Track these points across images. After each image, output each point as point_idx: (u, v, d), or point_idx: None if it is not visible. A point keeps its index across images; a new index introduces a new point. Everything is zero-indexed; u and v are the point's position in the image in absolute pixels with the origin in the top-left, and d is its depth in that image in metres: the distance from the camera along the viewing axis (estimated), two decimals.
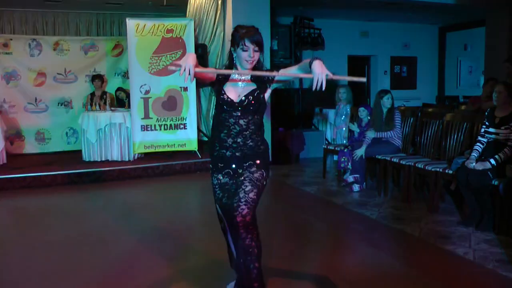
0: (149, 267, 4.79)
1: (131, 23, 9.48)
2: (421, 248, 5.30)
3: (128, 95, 10.30)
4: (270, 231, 5.95)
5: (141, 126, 9.60)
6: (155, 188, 8.57)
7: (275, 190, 8.42)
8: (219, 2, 10.19)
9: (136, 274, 4.63)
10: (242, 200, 3.57)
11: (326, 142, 10.69)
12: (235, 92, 3.66)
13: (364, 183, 7.87)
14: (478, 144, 5.87)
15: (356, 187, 7.80)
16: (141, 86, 9.56)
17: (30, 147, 11.15)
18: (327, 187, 8.22)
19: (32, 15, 12.14)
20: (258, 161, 3.71)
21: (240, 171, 3.69)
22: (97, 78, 10.64)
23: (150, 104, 9.62)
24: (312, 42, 13.01)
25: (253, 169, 3.68)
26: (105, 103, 10.04)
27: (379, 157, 7.54)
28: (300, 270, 4.69)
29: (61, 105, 11.38)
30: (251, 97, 3.64)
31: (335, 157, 9.01)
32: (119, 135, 9.76)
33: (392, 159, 7.27)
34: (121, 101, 10.96)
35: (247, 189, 3.61)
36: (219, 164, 3.73)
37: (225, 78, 3.68)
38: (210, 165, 3.84)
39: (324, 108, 11.95)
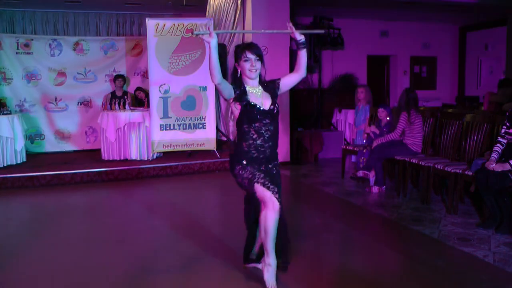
0: (167, 266, 4.81)
1: (151, 23, 9.52)
2: (439, 250, 5.26)
3: (147, 95, 10.34)
4: (288, 230, 5.95)
5: (160, 125, 9.64)
6: (173, 188, 8.60)
7: (294, 189, 8.43)
8: (239, 2, 10.20)
9: (154, 273, 4.65)
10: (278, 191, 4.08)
11: (345, 143, 10.66)
12: (259, 101, 4.12)
13: (384, 186, 7.82)
14: (498, 145, 5.80)
15: (375, 189, 7.77)
16: (160, 86, 9.60)
17: (50, 145, 11.25)
18: (346, 188, 8.20)
19: (53, 16, 12.24)
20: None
21: (270, 166, 4.26)
22: (119, 78, 10.69)
23: (169, 103, 9.65)
24: (331, 42, 12.97)
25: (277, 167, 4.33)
26: (125, 102, 10.09)
27: (398, 158, 7.50)
28: (318, 270, 4.68)
29: (81, 104, 11.48)
30: (277, 104, 4.22)
31: (353, 158, 8.98)
32: (138, 134, 9.81)
33: (411, 160, 7.23)
34: (140, 100, 11.01)
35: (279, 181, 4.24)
36: (255, 165, 4.15)
37: (244, 91, 4.09)
38: (244, 162, 4.14)
39: (343, 108, 11.91)
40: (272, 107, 4.16)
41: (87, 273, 4.71)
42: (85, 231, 6.11)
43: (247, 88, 4.12)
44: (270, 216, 3.98)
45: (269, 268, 4.13)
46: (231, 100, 4.08)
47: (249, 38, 9.82)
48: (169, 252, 5.23)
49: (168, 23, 9.60)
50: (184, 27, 9.60)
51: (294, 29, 4.09)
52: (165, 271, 4.69)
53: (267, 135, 4.15)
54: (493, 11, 12.90)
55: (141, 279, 4.52)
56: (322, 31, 4.72)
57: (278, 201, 3.99)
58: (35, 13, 12.08)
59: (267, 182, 4.02)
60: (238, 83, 4.12)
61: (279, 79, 4.31)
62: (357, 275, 4.56)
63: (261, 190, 4.01)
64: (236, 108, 4.09)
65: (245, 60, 4.05)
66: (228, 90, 4.01)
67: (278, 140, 4.33)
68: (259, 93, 4.16)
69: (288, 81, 4.33)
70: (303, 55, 4.19)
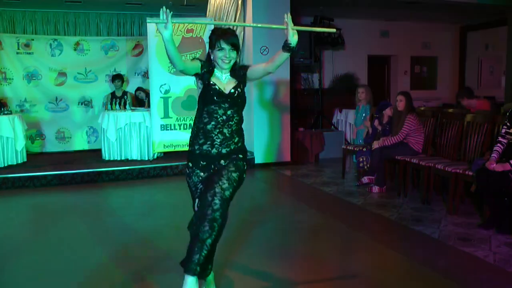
0: (168, 266, 4.81)
1: (152, 23, 9.50)
2: (440, 250, 5.26)
3: (148, 95, 10.35)
4: (288, 231, 5.95)
5: (161, 125, 9.64)
6: (174, 187, 8.60)
7: (294, 190, 8.43)
8: (239, 2, 10.19)
9: (154, 273, 4.65)
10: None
11: (346, 143, 10.66)
12: (221, 84, 3.77)
13: (384, 187, 7.82)
14: (498, 145, 5.79)
15: (375, 189, 7.77)
16: (161, 86, 9.61)
17: (51, 145, 11.28)
18: (346, 188, 8.20)
19: (54, 16, 12.22)
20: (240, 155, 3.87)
21: (223, 162, 3.82)
22: (117, 78, 10.70)
23: (169, 103, 9.66)
24: (332, 42, 12.98)
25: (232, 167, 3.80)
26: (125, 102, 10.09)
27: (399, 158, 7.50)
28: (318, 270, 4.68)
29: (82, 104, 11.51)
30: (239, 89, 3.83)
31: (354, 157, 8.98)
32: (139, 135, 9.81)
33: (412, 160, 7.23)
34: (141, 100, 11.02)
35: (224, 186, 3.70)
36: (201, 162, 3.83)
37: (210, 71, 3.77)
38: (190, 164, 3.90)
39: (344, 108, 11.91)
40: (232, 90, 3.77)
41: (87, 273, 4.71)
42: (85, 231, 6.11)
43: (215, 71, 3.80)
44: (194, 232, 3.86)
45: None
46: (196, 78, 3.80)
47: (249, 37, 9.83)
48: (170, 252, 5.22)
49: None
50: (184, 27, 9.60)
51: (289, 25, 3.63)
52: (165, 272, 4.68)
53: (220, 120, 3.73)
54: (494, 11, 12.89)
55: (141, 279, 4.52)
56: (333, 30, 4.01)
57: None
58: (36, 13, 12.07)
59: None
60: (209, 65, 3.79)
61: (249, 66, 3.95)
62: (357, 275, 4.56)
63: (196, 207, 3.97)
64: (199, 88, 3.80)
65: (219, 49, 3.70)
66: (193, 70, 3.73)
67: (241, 131, 3.89)
68: (226, 79, 3.81)
69: (255, 72, 3.89)
70: (283, 56, 3.72)
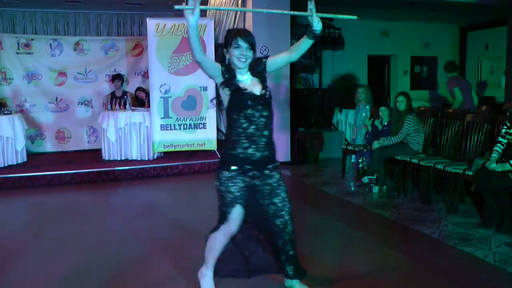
0: (167, 266, 4.81)
1: (152, 23, 9.52)
2: (440, 250, 5.26)
3: (148, 95, 10.35)
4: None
5: (161, 125, 9.64)
6: (174, 188, 8.60)
7: (294, 190, 8.42)
8: (239, 2, 10.19)
9: (154, 273, 4.65)
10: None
11: (346, 143, 10.65)
12: (249, 87, 3.72)
13: (385, 186, 7.81)
14: (498, 145, 5.79)
15: (375, 189, 7.77)
16: (161, 86, 9.61)
17: (51, 145, 11.27)
18: (346, 188, 8.20)
19: (54, 15, 12.23)
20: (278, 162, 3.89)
21: (267, 172, 3.80)
22: (117, 78, 10.69)
23: (169, 103, 9.66)
24: (332, 42, 12.99)
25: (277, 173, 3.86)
26: (125, 102, 10.09)
27: (399, 158, 7.50)
28: (318, 270, 4.68)
29: (82, 104, 11.50)
30: (268, 90, 3.78)
31: (353, 158, 8.98)
32: (139, 135, 9.81)
33: (412, 160, 7.23)
34: (141, 100, 11.02)
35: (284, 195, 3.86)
36: (247, 166, 3.71)
37: (233, 76, 3.69)
38: (232, 167, 3.72)
39: (344, 108, 11.91)
40: (263, 91, 3.74)
41: (87, 273, 4.71)
42: (85, 231, 6.11)
43: (237, 75, 3.72)
44: (220, 239, 3.87)
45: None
46: (220, 85, 3.70)
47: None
48: (170, 252, 5.22)
49: (168, 23, 9.60)
50: (184, 27, 9.58)
51: (314, 12, 3.70)
52: (165, 272, 4.69)
53: (260, 123, 3.68)
54: (494, 11, 12.88)
55: (141, 279, 4.52)
56: (354, 17, 4.07)
57: (277, 219, 3.83)
58: (36, 13, 12.07)
59: (242, 209, 3.75)
60: (229, 68, 3.71)
61: (267, 57, 3.89)
62: (357, 275, 4.56)
63: (232, 216, 3.78)
64: (226, 95, 3.70)
65: (236, 47, 3.63)
66: (211, 69, 3.65)
67: (273, 131, 3.85)
68: (248, 80, 3.74)
69: (276, 62, 3.87)
70: (307, 43, 3.80)
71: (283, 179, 3.93)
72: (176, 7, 3.26)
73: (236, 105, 3.68)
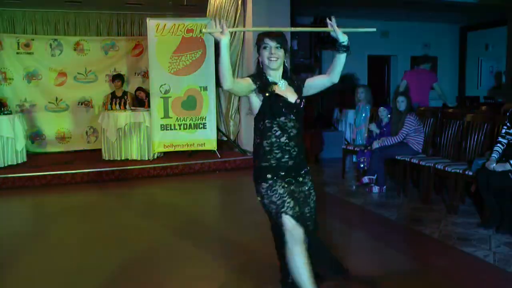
0: (168, 266, 4.81)
1: (152, 23, 9.53)
2: (440, 250, 5.26)
3: (148, 95, 10.34)
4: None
5: (161, 125, 9.64)
6: (174, 187, 8.60)
7: None
8: (239, 2, 10.19)
9: (154, 273, 4.65)
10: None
11: (346, 143, 10.65)
12: (283, 93, 3.61)
13: (384, 187, 7.81)
14: (498, 145, 5.80)
15: (375, 189, 7.77)
16: (161, 86, 9.61)
17: (51, 145, 11.26)
18: (346, 188, 8.20)
19: (54, 15, 12.23)
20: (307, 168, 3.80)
21: (300, 179, 3.71)
22: (117, 78, 10.69)
23: (169, 103, 9.66)
24: (332, 42, 12.86)
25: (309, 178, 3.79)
26: (125, 102, 10.09)
27: (399, 158, 7.50)
28: (318, 271, 4.68)
29: (82, 104, 11.50)
30: (304, 101, 3.70)
31: (354, 158, 8.98)
32: (139, 134, 9.80)
33: (412, 160, 7.23)
34: (141, 100, 11.02)
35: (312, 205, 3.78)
36: (281, 173, 3.58)
37: (265, 82, 3.56)
38: (268, 176, 3.56)
39: (344, 108, 11.91)
40: (298, 101, 3.63)
41: (87, 273, 4.71)
42: (85, 231, 6.11)
43: (269, 78, 3.59)
44: (296, 250, 3.48)
45: None
46: (253, 92, 3.53)
47: (249, 40, 9.83)
48: (170, 252, 5.23)
49: (168, 23, 9.61)
50: (184, 27, 9.60)
51: (336, 27, 3.74)
52: (165, 272, 4.69)
53: (292, 133, 3.61)
54: (494, 11, 12.89)
55: (141, 279, 4.52)
56: (374, 30, 3.94)
57: (304, 228, 3.52)
58: (36, 13, 12.07)
59: (296, 213, 3.52)
60: (259, 74, 3.59)
61: (306, 79, 3.78)
62: (357, 275, 4.56)
63: (288, 222, 3.47)
64: (259, 100, 3.54)
65: (264, 47, 3.53)
66: (244, 87, 3.51)
67: (303, 141, 3.79)
68: (283, 87, 3.62)
69: (315, 83, 3.80)
70: (340, 59, 3.75)
71: (314, 187, 3.82)
72: (204, 30, 3.28)
73: (270, 111, 3.56)
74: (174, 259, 5.00)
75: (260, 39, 3.56)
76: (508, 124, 5.80)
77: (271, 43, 3.51)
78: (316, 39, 12.35)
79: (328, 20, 3.67)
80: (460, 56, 16.04)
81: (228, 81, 3.29)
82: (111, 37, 12.10)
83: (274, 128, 3.57)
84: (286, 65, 3.66)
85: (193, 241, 5.54)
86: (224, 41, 3.21)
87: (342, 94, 13.08)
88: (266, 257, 4.71)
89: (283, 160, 3.59)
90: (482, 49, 15.46)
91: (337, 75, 3.74)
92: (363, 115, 9.53)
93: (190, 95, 9.72)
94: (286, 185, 3.57)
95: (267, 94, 3.53)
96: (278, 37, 3.54)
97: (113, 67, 11.63)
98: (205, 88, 9.79)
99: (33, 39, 11.14)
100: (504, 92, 12.22)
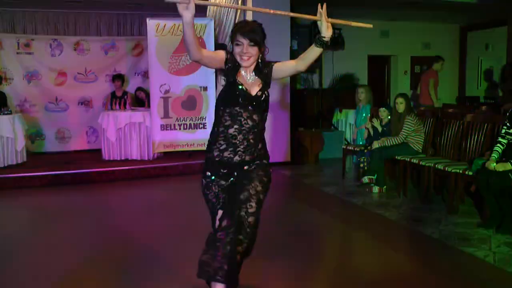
0: (168, 267, 4.81)
1: (152, 23, 9.53)
2: (440, 250, 5.26)
3: (148, 95, 10.35)
4: (288, 231, 5.95)
5: (161, 125, 9.64)
6: (174, 187, 8.60)
7: (294, 190, 8.43)
8: (239, 2, 10.18)
9: (154, 273, 4.65)
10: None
11: (346, 143, 10.66)
12: (247, 85, 3.43)
13: (385, 187, 7.81)
14: (498, 145, 5.80)
15: (375, 189, 7.77)
16: (161, 86, 9.61)
17: (51, 145, 11.27)
18: (346, 188, 8.20)
19: (54, 15, 12.21)
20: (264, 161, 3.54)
21: (246, 167, 3.46)
22: (117, 78, 10.70)
23: (169, 103, 9.66)
24: (332, 42, 12.94)
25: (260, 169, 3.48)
26: (125, 102, 10.09)
27: (399, 158, 7.50)
28: (318, 270, 4.68)
29: (82, 104, 11.50)
30: (266, 93, 3.48)
31: (354, 158, 8.98)
32: (139, 134, 9.81)
33: (412, 160, 7.23)
34: (141, 100, 11.02)
35: (258, 188, 3.40)
36: (222, 170, 3.45)
37: (236, 67, 3.40)
38: (208, 173, 3.48)
39: (344, 108, 11.90)
40: (259, 93, 3.41)
41: (87, 273, 4.71)
42: (85, 231, 6.11)
43: (241, 69, 3.43)
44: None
45: None
46: (219, 72, 3.41)
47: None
48: (170, 252, 5.23)
49: (168, 23, 9.61)
50: None
51: (323, 17, 3.42)
52: (165, 272, 4.69)
53: (245, 126, 3.37)
54: (494, 11, 12.88)
55: (141, 280, 4.52)
56: (370, 26, 3.59)
57: (234, 216, 3.31)
58: (36, 13, 12.05)
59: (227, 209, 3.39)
60: (235, 58, 3.39)
61: (274, 63, 3.52)
62: (357, 275, 4.56)
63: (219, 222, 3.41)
64: (221, 84, 3.41)
65: (237, 44, 3.34)
66: (215, 61, 3.36)
67: (262, 138, 3.54)
68: (251, 79, 3.45)
69: (282, 70, 3.53)
70: (315, 52, 3.44)
71: (269, 176, 3.53)
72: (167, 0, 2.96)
73: (225, 98, 3.42)
74: (174, 259, 5.00)
75: (234, 33, 3.38)
76: (508, 124, 5.80)
77: (244, 41, 3.34)
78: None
79: (319, 8, 3.43)
80: (460, 56, 16.04)
81: (193, 55, 3.21)
82: (111, 37, 12.09)
83: (225, 117, 3.41)
84: (260, 60, 3.48)
85: (193, 241, 5.53)
86: (186, 16, 3.03)
87: (342, 94, 13.09)
88: (266, 256, 4.72)
89: (225, 154, 3.42)
90: (482, 49, 15.46)
91: (305, 66, 3.48)
92: (364, 115, 9.52)
93: (190, 95, 9.72)
94: (224, 182, 3.46)
95: (230, 80, 3.39)
96: (251, 33, 3.35)
97: (113, 67, 11.63)
98: (205, 88, 9.79)
99: (33, 39, 11.15)
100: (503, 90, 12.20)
